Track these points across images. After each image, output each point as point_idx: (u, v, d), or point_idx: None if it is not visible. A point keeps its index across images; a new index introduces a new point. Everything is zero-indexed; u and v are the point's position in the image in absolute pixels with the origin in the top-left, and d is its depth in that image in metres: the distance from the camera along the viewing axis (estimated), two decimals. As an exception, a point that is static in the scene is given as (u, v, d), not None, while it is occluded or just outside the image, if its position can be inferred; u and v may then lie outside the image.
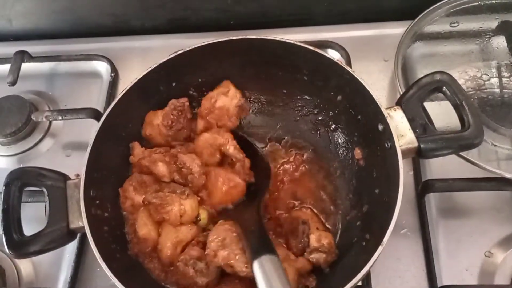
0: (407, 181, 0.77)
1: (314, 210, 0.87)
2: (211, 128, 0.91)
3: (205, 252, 0.77)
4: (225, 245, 0.75)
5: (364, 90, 0.82)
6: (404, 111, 0.79)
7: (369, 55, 1.12)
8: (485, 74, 1.04)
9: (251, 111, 0.99)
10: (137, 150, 0.87)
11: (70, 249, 0.93)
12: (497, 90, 1.03)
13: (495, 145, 0.94)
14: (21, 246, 0.74)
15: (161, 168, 0.83)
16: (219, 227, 0.79)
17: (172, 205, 0.79)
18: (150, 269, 0.81)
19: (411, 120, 0.78)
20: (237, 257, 0.74)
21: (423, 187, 0.91)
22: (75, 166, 0.85)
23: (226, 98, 0.92)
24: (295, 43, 0.88)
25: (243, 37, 0.91)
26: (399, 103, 0.81)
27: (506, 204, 0.92)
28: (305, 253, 0.80)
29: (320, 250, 0.78)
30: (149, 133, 0.91)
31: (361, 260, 0.71)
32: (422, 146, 0.76)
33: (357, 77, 0.83)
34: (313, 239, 0.79)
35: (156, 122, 0.90)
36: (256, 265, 0.69)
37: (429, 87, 0.80)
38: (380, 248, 0.69)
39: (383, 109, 0.79)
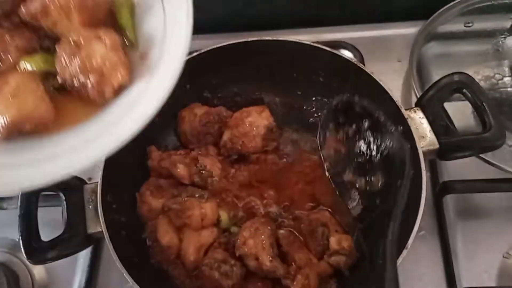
0: (424, 182, 0.77)
1: (333, 212, 0.86)
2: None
3: (236, 239, 0.78)
4: (256, 235, 0.76)
5: (383, 92, 0.81)
6: (424, 112, 0.79)
7: (382, 56, 1.11)
8: (497, 73, 1.04)
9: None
10: (155, 153, 0.87)
11: (83, 254, 0.92)
12: (511, 89, 1.02)
13: (510, 145, 0.93)
14: (40, 252, 0.73)
15: (181, 171, 0.82)
16: (258, 219, 0.81)
17: (193, 210, 0.78)
18: (175, 276, 0.80)
19: (431, 122, 0.78)
20: (264, 249, 0.75)
21: (441, 188, 0.90)
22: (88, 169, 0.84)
23: (258, 116, 0.90)
24: (312, 44, 0.87)
25: (258, 38, 0.90)
26: (418, 104, 0.80)
27: (524, 205, 0.91)
28: (325, 256, 0.79)
29: (341, 252, 0.78)
30: (182, 129, 0.91)
31: (382, 263, 0.71)
32: (443, 147, 0.76)
33: (376, 79, 0.82)
34: (333, 242, 0.79)
35: (189, 118, 0.90)
36: None
37: (449, 88, 0.79)
38: (404, 252, 0.69)
39: (403, 111, 0.78)
